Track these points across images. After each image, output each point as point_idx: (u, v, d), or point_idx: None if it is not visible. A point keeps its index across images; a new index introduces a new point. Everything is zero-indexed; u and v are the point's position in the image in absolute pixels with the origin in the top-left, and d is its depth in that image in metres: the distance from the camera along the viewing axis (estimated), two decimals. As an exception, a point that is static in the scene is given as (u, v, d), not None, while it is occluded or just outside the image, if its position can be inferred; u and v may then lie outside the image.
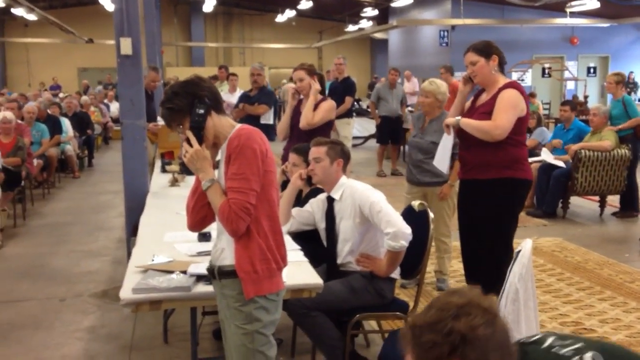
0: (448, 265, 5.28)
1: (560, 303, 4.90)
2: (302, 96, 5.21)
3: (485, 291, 4.57)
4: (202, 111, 2.47)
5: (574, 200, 8.05)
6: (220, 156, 2.59)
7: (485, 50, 4.01)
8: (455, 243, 5.39)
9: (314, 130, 4.95)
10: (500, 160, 3.95)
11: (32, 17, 19.09)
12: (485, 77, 4.02)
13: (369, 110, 12.75)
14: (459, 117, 4.05)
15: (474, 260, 4.22)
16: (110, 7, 17.99)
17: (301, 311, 3.37)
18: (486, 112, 3.97)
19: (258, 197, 2.47)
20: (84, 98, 14.70)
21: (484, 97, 4.09)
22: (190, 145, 2.48)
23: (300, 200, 4.04)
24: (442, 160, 4.28)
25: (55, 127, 10.11)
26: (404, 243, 3.39)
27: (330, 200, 3.68)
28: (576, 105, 8.62)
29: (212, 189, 2.49)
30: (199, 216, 2.66)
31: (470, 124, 3.96)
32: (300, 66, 5.19)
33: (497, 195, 4.00)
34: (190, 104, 2.48)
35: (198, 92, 2.50)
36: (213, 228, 2.72)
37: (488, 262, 4.07)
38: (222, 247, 2.59)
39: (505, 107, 3.88)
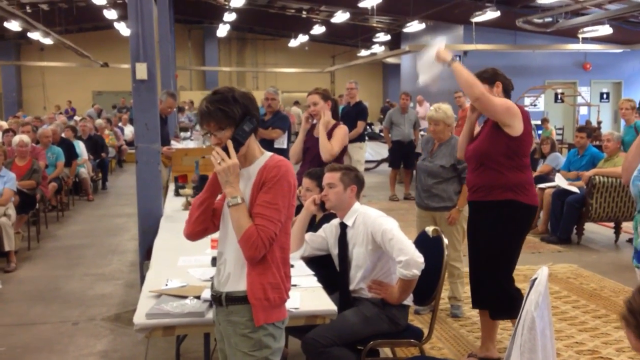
0: (462, 290, 5.23)
1: (576, 331, 4.84)
2: (315, 120, 5.22)
3: (492, 316, 4.56)
4: (249, 128, 2.49)
5: (589, 226, 7.99)
6: (246, 178, 2.56)
7: (491, 77, 4.08)
8: (467, 269, 5.37)
9: (328, 154, 4.95)
10: (503, 182, 3.99)
11: (48, 41, 19.31)
12: None
13: (382, 134, 12.77)
14: (456, 59, 4.11)
15: (478, 285, 4.23)
16: (125, 31, 18.24)
17: (319, 350, 3.31)
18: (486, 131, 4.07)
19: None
20: (99, 121, 14.82)
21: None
22: (228, 155, 2.47)
23: (313, 225, 4.03)
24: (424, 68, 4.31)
25: (70, 152, 10.19)
26: (416, 272, 3.38)
27: (343, 227, 3.66)
28: (591, 132, 8.57)
29: (240, 208, 2.47)
30: (201, 227, 2.65)
31: (463, 73, 3.97)
32: (314, 90, 5.22)
33: (499, 217, 4.02)
34: (242, 116, 2.48)
35: (251, 110, 2.52)
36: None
37: (490, 286, 4.11)
38: (228, 273, 2.57)
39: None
